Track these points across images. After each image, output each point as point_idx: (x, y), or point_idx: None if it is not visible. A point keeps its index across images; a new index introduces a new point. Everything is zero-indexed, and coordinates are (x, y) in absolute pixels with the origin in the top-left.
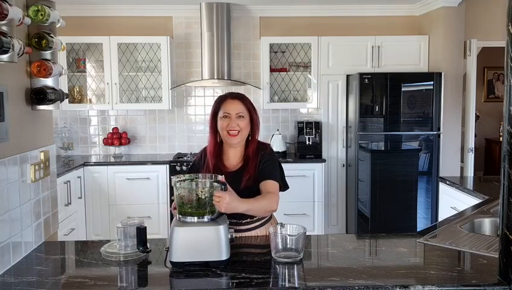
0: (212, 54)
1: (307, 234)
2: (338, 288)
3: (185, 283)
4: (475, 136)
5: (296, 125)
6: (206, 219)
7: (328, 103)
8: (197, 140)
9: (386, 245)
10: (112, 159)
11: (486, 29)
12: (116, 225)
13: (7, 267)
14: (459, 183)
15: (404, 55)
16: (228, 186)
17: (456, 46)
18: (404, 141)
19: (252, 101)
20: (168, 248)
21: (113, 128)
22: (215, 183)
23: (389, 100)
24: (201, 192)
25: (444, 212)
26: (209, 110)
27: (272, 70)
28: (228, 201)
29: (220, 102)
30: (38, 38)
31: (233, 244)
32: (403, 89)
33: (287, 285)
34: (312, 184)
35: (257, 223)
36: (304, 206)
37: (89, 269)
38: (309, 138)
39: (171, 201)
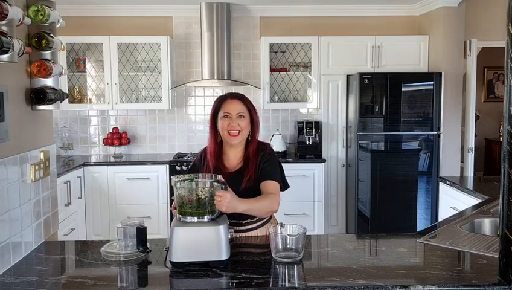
0: (212, 54)
1: (307, 234)
2: (338, 288)
3: (185, 283)
4: (475, 136)
5: (296, 125)
6: (206, 218)
7: (328, 103)
8: (197, 140)
9: (386, 245)
10: (112, 159)
11: (486, 29)
12: (116, 225)
13: (7, 267)
14: (459, 183)
15: (404, 55)
16: (227, 186)
17: (456, 46)
18: (404, 141)
19: (251, 101)
20: (168, 248)
21: (113, 128)
22: (216, 183)
23: (389, 100)
24: (201, 192)
25: (444, 212)
26: (209, 110)
27: (271, 70)
28: (229, 200)
29: (220, 102)
30: (38, 38)
31: (233, 244)
32: (403, 89)
33: (287, 285)
34: (312, 184)
35: (257, 223)
36: (304, 206)
37: (89, 269)
38: (309, 138)
39: (171, 201)
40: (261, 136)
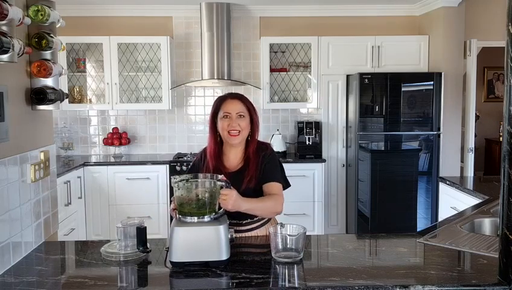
0: (212, 54)
1: (307, 234)
2: (338, 288)
3: (185, 283)
4: (475, 136)
5: (296, 125)
6: (206, 218)
7: (328, 103)
8: (197, 140)
9: (386, 245)
10: (112, 159)
11: (486, 29)
12: (116, 225)
13: (7, 267)
14: (459, 183)
15: (404, 55)
16: (230, 184)
17: (456, 46)
18: (404, 141)
19: (251, 101)
20: (168, 248)
21: (113, 128)
22: (219, 182)
23: (389, 100)
24: (201, 192)
25: (444, 212)
26: (209, 110)
27: (271, 70)
28: (235, 199)
29: (219, 102)
30: (38, 38)
31: (233, 244)
32: (403, 89)
33: (287, 285)
34: (312, 184)
35: (258, 224)
36: (304, 206)
37: (89, 269)
38: (309, 138)
39: (171, 202)
40: (261, 136)
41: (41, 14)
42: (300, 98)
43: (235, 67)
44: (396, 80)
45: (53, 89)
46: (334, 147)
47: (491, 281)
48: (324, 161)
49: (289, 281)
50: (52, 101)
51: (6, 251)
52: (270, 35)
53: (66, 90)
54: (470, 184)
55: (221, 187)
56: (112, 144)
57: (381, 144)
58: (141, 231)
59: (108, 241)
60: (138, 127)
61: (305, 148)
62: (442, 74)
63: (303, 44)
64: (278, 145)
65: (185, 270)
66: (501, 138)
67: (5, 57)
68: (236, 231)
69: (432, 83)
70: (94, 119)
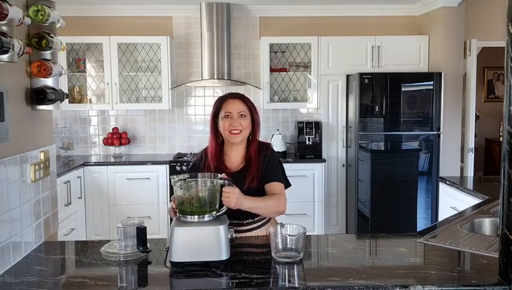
0: (212, 54)
1: (307, 234)
2: (338, 288)
3: (185, 283)
4: (475, 136)
5: (296, 125)
6: (206, 217)
7: (328, 103)
8: (197, 140)
9: (386, 245)
10: (112, 159)
11: (486, 29)
12: (116, 225)
13: (7, 267)
14: (459, 183)
15: (404, 55)
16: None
17: (456, 46)
18: (404, 141)
19: (252, 101)
20: (168, 248)
21: (113, 129)
22: (220, 181)
23: (389, 100)
24: (202, 190)
25: (444, 212)
26: (209, 110)
27: (271, 70)
28: (238, 196)
29: (220, 102)
30: (38, 38)
31: (233, 244)
32: (403, 89)
33: (287, 285)
34: (312, 184)
35: (258, 224)
36: (304, 206)
37: (89, 269)
38: (309, 138)
39: (171, 201)
40: (261, 136)
41: (41, 14)
42: (300, 98)
43: (235, 67)
44: (396, 80)
45: (53, 89)
46: (334, 147)
47: (491, 281)
48: (324, 161)
49: (289, 281)
50: (52, 101)
51: (6, 251)
52: (270, 35)
53: (66, 90)
54: (470, 184)
55: (223, 185)
56: (112, 144)
57: (381, 144)
58: (141, 231)
59: (108, 241)
60: (138, 127)
61: (305, 148)
62: (442, 74)
63: (303, 44)
64: (278, 145)
65: (185, 270)
66: (501, 138)
67: (5, 57)
68: (236, 231)
69: (432, 83)
70: (94, 119)
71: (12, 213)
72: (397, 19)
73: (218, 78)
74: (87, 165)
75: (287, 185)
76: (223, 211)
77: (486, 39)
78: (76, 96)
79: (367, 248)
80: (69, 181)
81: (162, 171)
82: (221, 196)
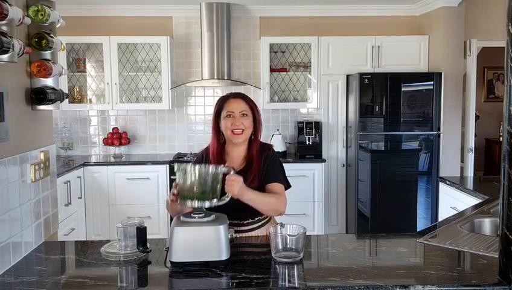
0: (212, 54)
1: (307, 234)
2: (338, 288)
3: (185, 283)
4: (475, 136)
5: (296, 125)
6: (207, 204)
7: (328, 103)
8: (197, 140)
9: (386, 245)
10: (112, 159)
11: (486, 29)
12: (116, 225)
13: (7, 267)
14: (459, 183)
15: (404, 55)
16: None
17: (456, 46)
18: (404, 141)
19: (253, 100)
20: (168, 248)
21: (113, 128)
22: (225, 169)
23: (389, 100)
24: (204, 176)
25: (444, 212)
26: (209, 110)
27: (271, 70)
28: (241, 185)
29: (222, 102)
30: (38, 38)
31: (233, 244)
32: (403, 89)
33: (287, 285)
34: (312, 184)
35: (258, 224)
36: (304, 206)
37: (89, 269)
38: (309, 138)
39: (173, 187)
40: (262, 136)
41: (41, 14)
42: (300, 98)
43: (235, 67)
44: (396, 80)
45: (53, 89)
46: (334, 147)
47: (491, 281)
48: (324, 161)
49: (289, 281)
50: (52, 101)
51: (6, 251)
52: (270, 35)
53: (66, 90)
54: (470, 184)
55: (225, 175)
56: (112, 144)
57: (381, 144)
58: (141, 231)
59: (108, 241)
60: (138, 127)
61: (305, 148)
62: (442, 74)
63: (303, 44)
64: (278, 145)
65: (185, 270)
66: (501, 138)
67: (5, 57)
68: (236, 231)
69: (431, 83)
70: (94, 119)
71: (12, 213)
72: (397, 19)
73: (218, 78)
74: (87, 165)
75: (287, 186)
76: (225, 199)
77: (486, 39)
78: (76, 96)
79: (367, 248)
80: (69, 181)
81: (162, 171)
82: (223, 185)
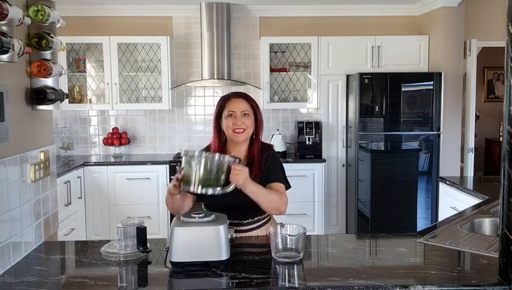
0: (212, 54)
1: (307, 234)
2: (338, 288)
3: (185, 283)
4: (475, 136)
5: (296, 125)
6: (210, 191)
7: (328, 103)
8: (197, 140)
9: (386, 245)
10: (112, 159)
11: (486, 29)
12: (116, 225)
13: (7, 267)
14: (459, 183)
15: (404, 55)
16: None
17: (456, 46)
18: (404, 141)
19: (255, 100)
20: (168, 248)
21: (113, 129)
22: (231, 158)
23: (389, 100)
24: (210, 163)
25: (444, 212)
26: (209, 110)
27: (271, 70)
28: (247, 175)
29: (224, 101)
30: (38, 38)
31: (233, 244)
32: (403, 89)
33: (287, 285)
34: (312, 184)
35: (258, 224)
36: (304, 206)
37: (89, 269)
38: (309, 138)
39: (178, 172)
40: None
41: (41, 14)
42: (300, 98)
43: (235, 67)
44: (396, 80)
45: (53, 89)
46: (334, 147)
47: (491, 281)
48: (324, 161)
49: (289, 281)
50: (52, 101)
51: (6, 251)
52: (270, 35)
53: (66, 90)
54: (470, 184)
55: (230, 166)
56: (112, 144)
57: (381, 144)
58: (141, 231)
59: (108, 241)
60: (138, 127)
61: (305, 148)
62: (442, 74)
63: (303, 44)
64: (278, 145)
65: (185, 270)
66: (501, 138)
67: (5, 57)
68: (236, 231)
69: (432, 83)
70: (94, 119)
71: (12, 213)
72: (397, 19)
73: (218, 78)
74: (87, 165)
75: (288, 186)
76: (229, 188)
77: (486, 39)
78: (76, 96)
79: (367, 248)
80: (69, 181)
81: (162, 171)
82: (227, 174)
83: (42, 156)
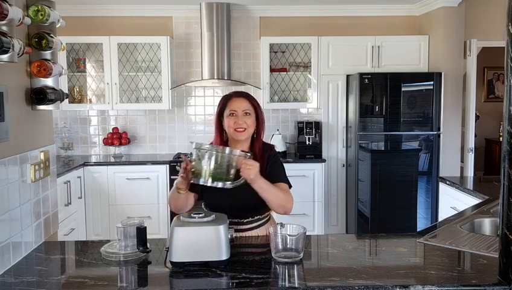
0: (212, 54)
1: (307, 234)
2: (338, 288)
3: (185, 283)
4: (475, 136)
5: (296, 125)
6: (220, 184)
7: (328, 103)
8: (197, 140)
9: (386, 245)
10: (112, 159)
11: (486, 29)
12: (116, 225)
13: (7, 267)
14: (459, 183)
15: (404, 55)
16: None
17: (456, 46)
18: (404, 141)
19: (256, 99)
20: (168, 248)
21: (113, 129)
22: (242, 153)
23: (389, 100)
24: (221, 156)
25: (444, 212)
26: (209, 110)
27: (271, 70)
28: (258, 170)
29: (225, 101)
30: (38, 38)
31: (233, 244)
32: (403, 89)
33: (287, 285)
34: (312, 184)
35: (258, 223)
36: (304, 206)
37: (89, 269)
38: (309, 138)
39: (188, 157)
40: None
41: (41, 14)
42: (300, 98)
43: (235, 67)
44: (396, 80)
45: (53, 89)
46: (334, 147)
47: (491, 281)
48: (324, 161)
49: (289, 281)
50: (52, 101)
51: (6, 251)
52: (270, 35)
53: (66, 90)
54: (470, 184)
55: (242, 158)
56: (112, 144)
57: (381, 144)
58: (141, 231)
59: (108, 241)
60: (138, 127)
61: (305, 148)
62: (442, 74)
63: (303, 44)
64: (278, 145)
65: (185, 270)
66: (501, 138)
67: (5, 57)
68: (236, 230)
69: (431, 83)
70: (94, 119)
71: (12, 213)
72: (397, 19)
73: (218, 78)
74: (87, 165)
75: (289, 186)
76: (239, 182)
77: (486, 39)
78: (76, 96)
79: (367, 248)
80: (69, 181)
81: (162, 171)
82: (237, 169)
83: (42, 156)
